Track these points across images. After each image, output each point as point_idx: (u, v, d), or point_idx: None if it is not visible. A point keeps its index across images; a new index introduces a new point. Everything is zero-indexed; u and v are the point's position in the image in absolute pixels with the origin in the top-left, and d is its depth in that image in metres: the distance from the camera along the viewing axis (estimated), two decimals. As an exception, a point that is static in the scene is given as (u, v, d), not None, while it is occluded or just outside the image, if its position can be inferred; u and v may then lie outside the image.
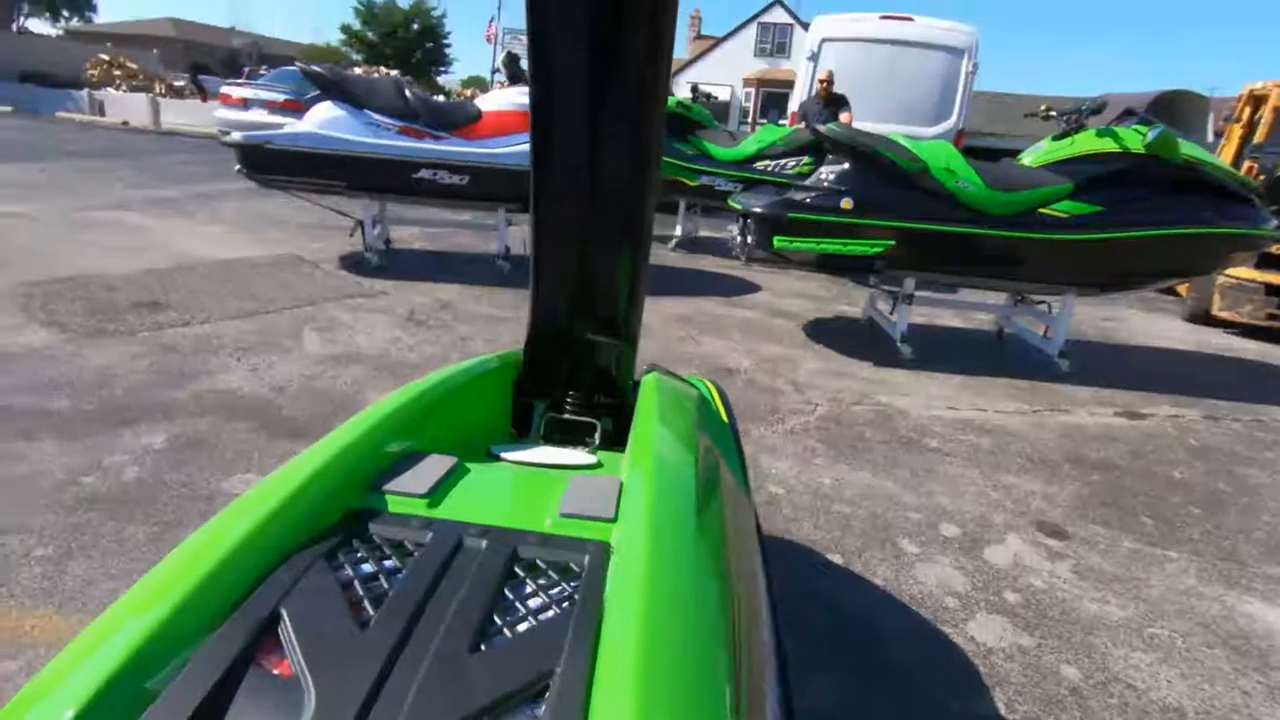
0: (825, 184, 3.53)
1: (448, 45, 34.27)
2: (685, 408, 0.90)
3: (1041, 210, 3.46)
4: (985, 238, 3.42)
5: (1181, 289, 5.55)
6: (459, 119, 4.27)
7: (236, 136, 3.98)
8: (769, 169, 5.52)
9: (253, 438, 2.19)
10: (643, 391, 0.93)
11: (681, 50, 32.74)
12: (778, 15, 26.31)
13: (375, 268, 4.35)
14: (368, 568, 0.52)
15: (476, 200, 4.30)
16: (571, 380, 1.10)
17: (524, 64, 4.65)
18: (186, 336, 2.99)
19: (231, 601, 0.46)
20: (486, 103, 4.41)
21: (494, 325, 3.56)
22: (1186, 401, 3.41)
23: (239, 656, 0.42)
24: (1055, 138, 3.67)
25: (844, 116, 5.84)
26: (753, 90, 23.96)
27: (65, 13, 55.35)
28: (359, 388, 2.64)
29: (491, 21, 32.19)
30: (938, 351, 3.80)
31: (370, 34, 32.54)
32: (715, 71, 27.14)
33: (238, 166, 4.03)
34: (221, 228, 5.21)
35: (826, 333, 4.01)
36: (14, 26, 39.26)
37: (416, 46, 33.76)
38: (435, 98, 4.50)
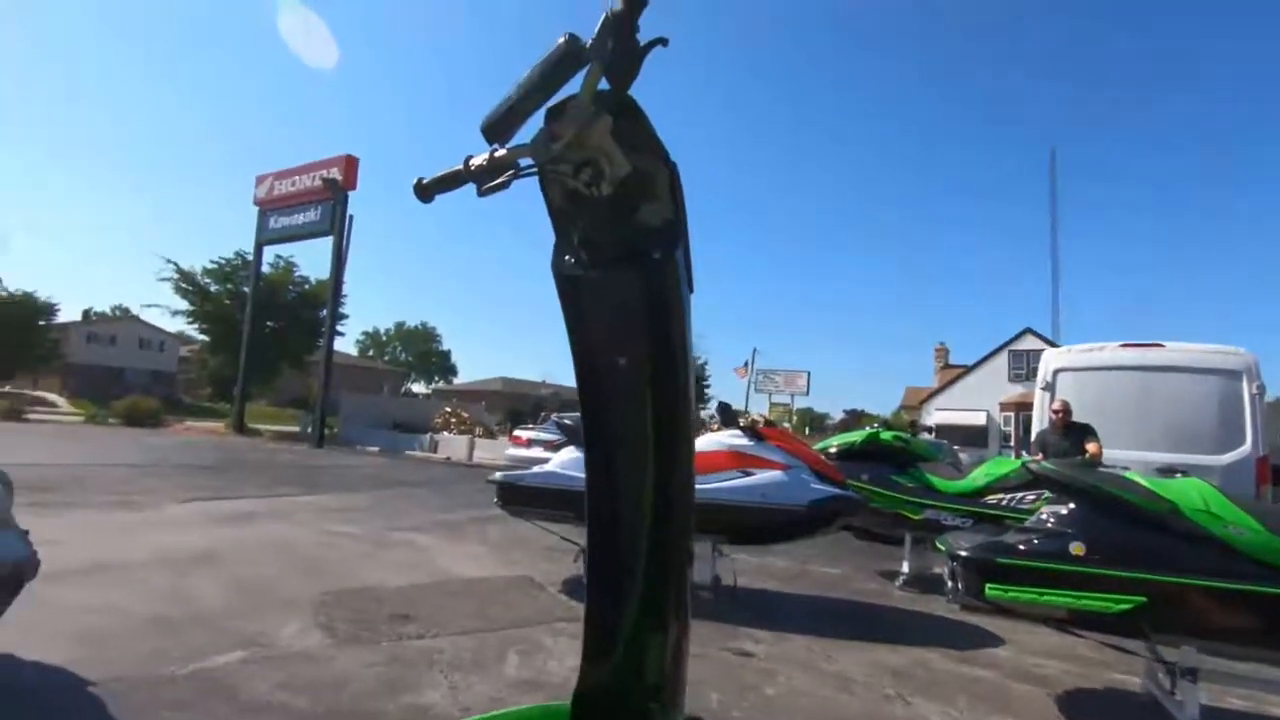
0: (1048, 525, 3.18)
1: (707, 386, 38.91)
2: None
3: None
4: (1284, 598, 2.69)
5: None
6: (675, 458, 4.80)
7: (497, 476, 4.91)
8: (1003, 503, 5.09)
9: (426, 759, 2.34)
10: None
11: (929, 380, 33.22)
12: (1029, 342, 26.00)
13: (590, 593, 4.65)
14: None
15: (684, 532, 4.57)
16: None
17: (733, 409, 5.23)
18: (416, 649, 3.42)
19: None
20: (702, 442, 4.93)
21: (683, 662, 3.49)
22: None
23: None
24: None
25: (1091, 447, 5.36)
26: (1011, 415, 22.87)
27: (436, 377, 74.48)
28: (534, 718, 2.72)
29: (746, 364, 36.41)
30: (1265, 756, 2.79)
31: (644, 381, 38.59)
32: (967, 398, 26.75)
33: (495, 499, 4.88)
34: (482, 548, 6.09)
35: (1090, 709, 3.21)
36: (401, 390, 53.73)
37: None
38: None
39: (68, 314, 42.45)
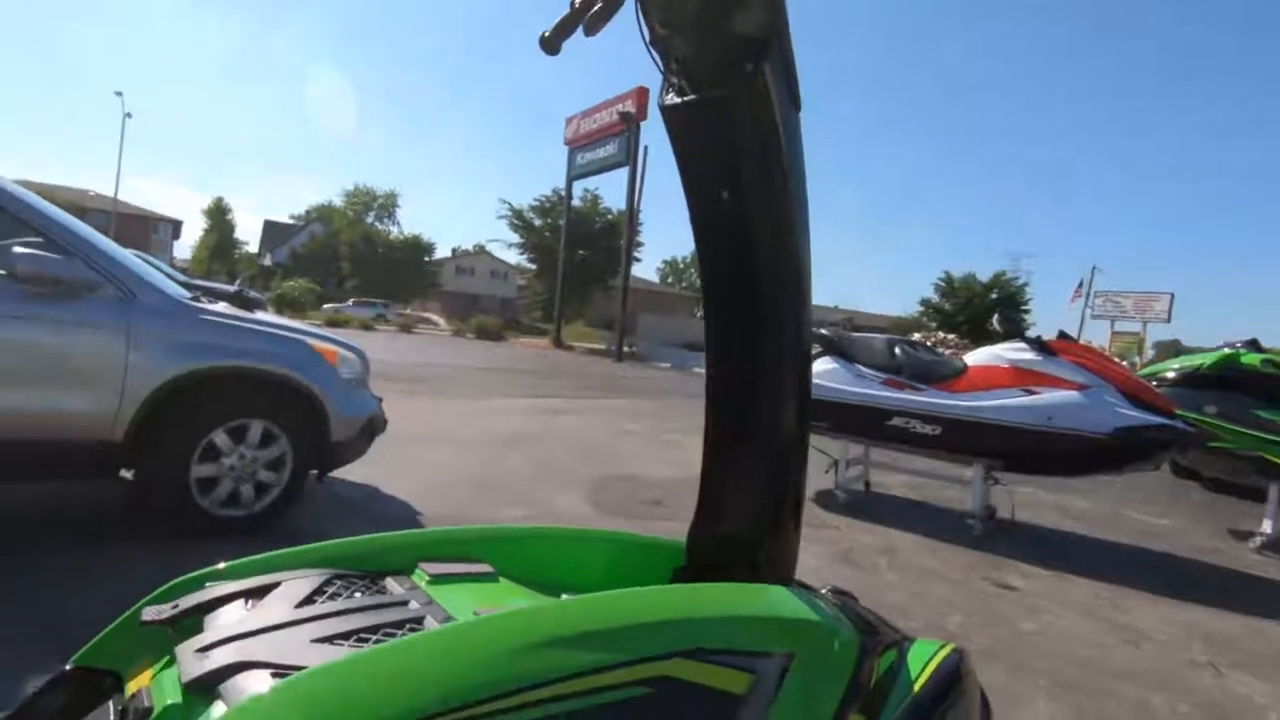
0: None
1: (1026, 310, 33.82)
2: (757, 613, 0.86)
3: None
4: None
5: None
6: (943, 373, 4.34)
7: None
8: None
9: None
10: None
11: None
12: None
13: (841, 505, 4.55)
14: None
15: (947, 450, 4.16)
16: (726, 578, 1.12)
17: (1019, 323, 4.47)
18: (662, 528, 3.71)
19: None
20: (974, 357, 4.37)
21: (928, 581, 3.26)
22: None
23: None
24: None
25: None
26: None
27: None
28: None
29: (1080, 285, 30.78)
30: None
31: (947, 304, 34.93)
32: None
33: (748, 406, 4.97)
34: (743, 455, 6.31)
35: None
36: (697, 314, 56.50)
37: (992, 312, 34.38)
38: (925, 355, 4.70)
39: (442, 251, 53.08)
